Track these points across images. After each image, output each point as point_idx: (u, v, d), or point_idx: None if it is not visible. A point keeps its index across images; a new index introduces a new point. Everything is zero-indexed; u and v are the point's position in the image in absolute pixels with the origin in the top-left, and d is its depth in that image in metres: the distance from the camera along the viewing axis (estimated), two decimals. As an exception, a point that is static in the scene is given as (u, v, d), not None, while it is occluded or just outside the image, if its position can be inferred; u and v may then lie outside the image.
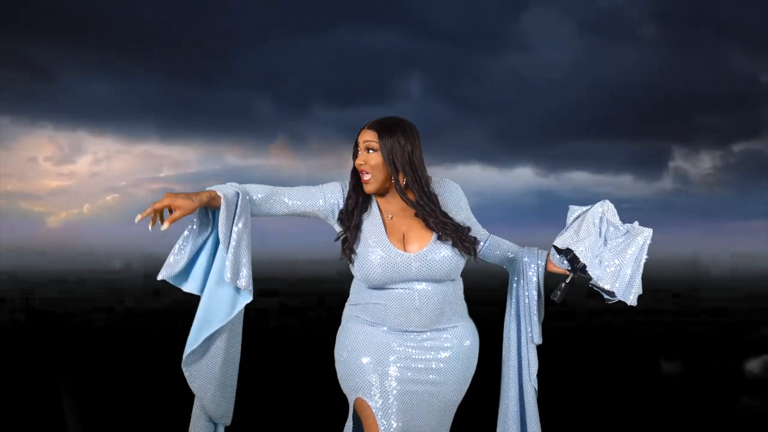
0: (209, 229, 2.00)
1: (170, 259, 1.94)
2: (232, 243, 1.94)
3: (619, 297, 1.99)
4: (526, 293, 2.19)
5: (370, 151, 2.00)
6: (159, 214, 1.83)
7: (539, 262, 2.20)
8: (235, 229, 1.94)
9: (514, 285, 2.22)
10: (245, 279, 1.96)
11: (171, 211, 1.82)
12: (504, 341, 2.22)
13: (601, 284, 1.98)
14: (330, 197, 2.07)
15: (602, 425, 4.31)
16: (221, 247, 1.95)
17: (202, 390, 1.99)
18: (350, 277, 2.13)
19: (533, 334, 2.17)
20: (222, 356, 1.99)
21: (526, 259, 2.21)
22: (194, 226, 1.97)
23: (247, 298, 1.98)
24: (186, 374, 2.00)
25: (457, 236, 2.01)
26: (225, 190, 1.91)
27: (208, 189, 1.91)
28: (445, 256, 1.99)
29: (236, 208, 1.94)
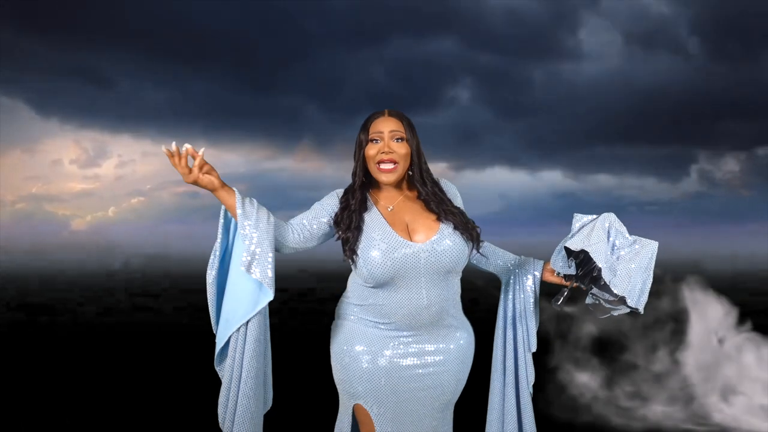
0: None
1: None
2: (249, 229, 1.91)
3: (632, 304, 1.99)
4: (522, 301, 2.16)
5: (399, 140, 1.96)
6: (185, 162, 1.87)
7: (535, 271, 2.18)
8: (252, 216, 1.91)
9: (510, 293, 2.19)
10: (260, 270, 1.90)
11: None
12: (496, 349, 2.19)
13: (613, 289, 1.97)
14: (333, 206, 2.03)
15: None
16: (239, 235, 1.93)
17: (234, 389, 1.96)
18: (344, 271, 2.09)
19: (530, 341, 2.14)
20: (251, 350, 1.95)
21: (522, 267, 2.20)
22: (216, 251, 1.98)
23: (268, 296, 1.92)
24: (218, 369, 2.00)
25: (463, 222, 1.99)
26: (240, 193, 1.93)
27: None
28: (452, 244, 1.95)
29: (253, 202, 1.94)
